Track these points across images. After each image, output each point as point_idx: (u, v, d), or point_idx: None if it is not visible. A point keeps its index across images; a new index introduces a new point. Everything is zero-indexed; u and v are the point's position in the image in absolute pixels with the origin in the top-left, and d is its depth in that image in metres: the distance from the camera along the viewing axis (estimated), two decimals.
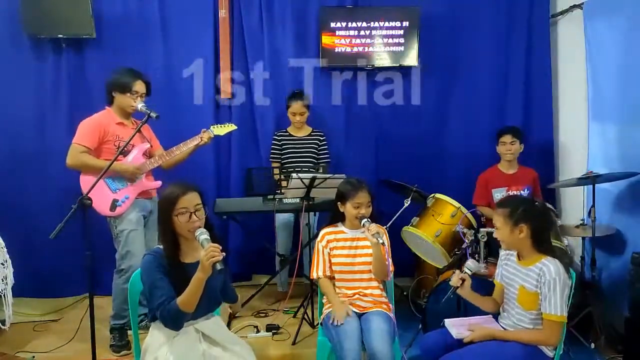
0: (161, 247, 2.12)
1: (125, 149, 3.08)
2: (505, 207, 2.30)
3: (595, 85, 3.65)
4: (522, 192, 3.74)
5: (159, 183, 3.27)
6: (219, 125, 3.42)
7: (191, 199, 2.07)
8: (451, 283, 2.37)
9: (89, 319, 2.48)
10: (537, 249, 2.26)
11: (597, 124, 3.63)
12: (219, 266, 1.91)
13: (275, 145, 3.98)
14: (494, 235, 2.36)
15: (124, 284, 3.11)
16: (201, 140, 3.29)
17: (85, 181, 3.08)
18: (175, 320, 2.02)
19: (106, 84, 3.20)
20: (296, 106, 3.86)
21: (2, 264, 2.78)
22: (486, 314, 2.47)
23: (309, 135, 3.99)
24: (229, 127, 3.46)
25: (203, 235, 2.01)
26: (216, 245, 1.94)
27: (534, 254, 2.26)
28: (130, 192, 3.16)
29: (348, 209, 2.64)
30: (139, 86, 3.15)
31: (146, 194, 3.24)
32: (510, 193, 3.74)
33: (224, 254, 1.95)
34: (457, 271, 2.43)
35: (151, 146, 3.33)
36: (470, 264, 2.43)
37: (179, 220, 2.06)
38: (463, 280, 2.35)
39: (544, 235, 2.29)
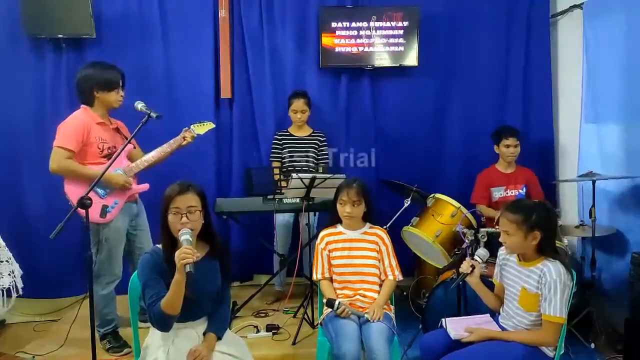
0: (160, 246, 2.12)
1: (110, 151, 3.04)
2: (518, 212, 2.22)
3: (592, 85, 3.65)
4: (519, 191, 3.75)
5: (146, 186, 3.21)
6: (198, 124, 3.30)
7: (186, 200, 2.05)
8: (461, 269, 2.38)
9: (89, 319, 2.46)
10: (541, 252, 2.25)
11: (592, 124, 3.62)
12: (188, 268, 1.90)
13: (276, 145, 3.99)
14: (501, 239, 2.30)
15: (102, 291, 3.10)
16: (184, 140, 3.20)
17: (70, 190, 2.99)
18: (160, 322, 2.01)
19: (83, 83, 3.05)
20: (298, 104, 3.87)
21: (7, 260, 2.79)
22: (486, 312, 2.48)
23: (310, 135, 4.00)
24: (208, 126, 3.35)
25: (184, 235, 1.99)
26: (190, 247, 1.94)
27: (536, 255, 2.26)
28: (120, 197, 3.09)
29: (337, 207, 2.64)
30: (121, 80, 3.12)
31: (132, 197, 3.19)
32: (509, 192, 3.75)
33: (198, 255, 1.97)
34: (468, 258, 2.43)
35: (134, 147, 3.28)
36: (481, 251, 2.44)
37: (170, 219, 2.05)
38: (473, 267, 2.36)
39: (552, 240, 2.29)
